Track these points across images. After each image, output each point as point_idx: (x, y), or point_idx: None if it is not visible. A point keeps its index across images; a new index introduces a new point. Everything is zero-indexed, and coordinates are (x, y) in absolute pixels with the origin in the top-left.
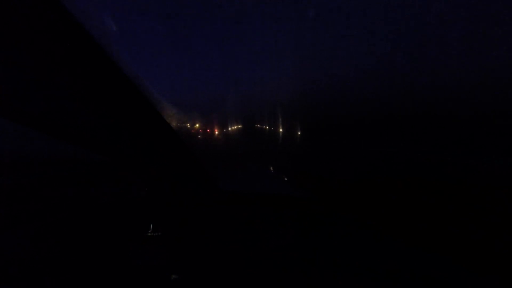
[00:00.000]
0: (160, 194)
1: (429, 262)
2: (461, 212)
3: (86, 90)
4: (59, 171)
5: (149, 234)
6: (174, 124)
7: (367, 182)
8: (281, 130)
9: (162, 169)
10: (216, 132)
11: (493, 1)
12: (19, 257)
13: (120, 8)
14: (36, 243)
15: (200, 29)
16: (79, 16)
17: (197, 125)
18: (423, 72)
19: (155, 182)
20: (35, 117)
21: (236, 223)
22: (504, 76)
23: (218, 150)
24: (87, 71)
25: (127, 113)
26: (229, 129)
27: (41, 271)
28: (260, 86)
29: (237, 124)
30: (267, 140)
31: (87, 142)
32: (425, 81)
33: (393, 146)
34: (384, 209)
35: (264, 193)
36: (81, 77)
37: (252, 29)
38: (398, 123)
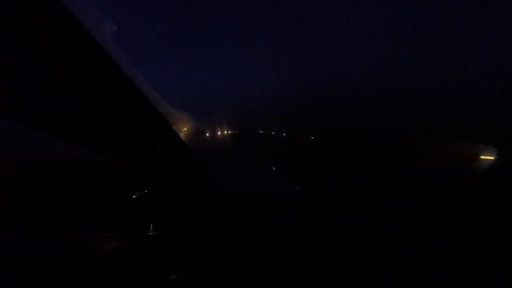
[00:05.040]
0: (160, 194)
1: (428, 263)
2: (459, 214)
3: (86, 90)
4: (59, 171)
5: (149, 234)
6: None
7: (368, 184)
8: None
9: (162, 169)
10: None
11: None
12: (19, 257)
13: (120, 8)
14: (36, 243)
15: (200, 29)
16: (79, 16)
17: (185, 128)
18: (424, 72)
19: (155, 182)
20: (35, 117)
21: (236, 223)
22: (506, 77)
23: None
24: (87, 71)
25: (127, 113)
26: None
27: (41, 271)
28: (260, 87)
29: (231, 129)
30: None
31: (87, 142)
32: (426, 82)
33: (395, 147)
34: (384, 211)
35: (264, 193)
36: (81, 77)
37: (252, 28)
38: (399, 124)
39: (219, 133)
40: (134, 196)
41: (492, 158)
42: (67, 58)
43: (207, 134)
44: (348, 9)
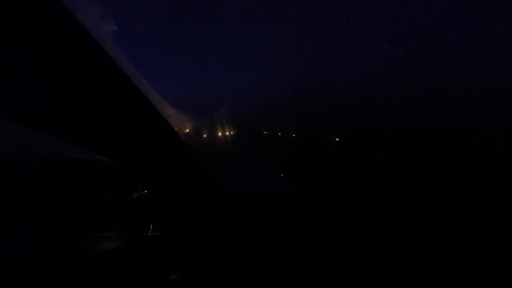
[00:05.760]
0: (160, 194)
1: (428, 263)
2: (459, 214)
3: (86, 90)
4: (59, 171)
5: (149, 234)
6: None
7: (367, 184)
8: None
9: (162, 169)
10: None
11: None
12: (19, 257)
13: (120, 8)
14: (36, 243)
15: (200, 29)
16: (79, 16)
17: (186, 129)
18: (425, 72)
19: (155, 182)
20: (35, 117)
21: (236, 223)
22: (506, 77)
23: None
24: (87, 71)
25: (127, 113)
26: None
27: (41, 271)
28: (261, 87)
29: (231, 129)
30: None
31: (87, 142)
32: (427, 81)
33: (394, 148)
34: (384, 211)
35: (264, 193)
36: (81, 77)
37: (252, 28)
38: (399, 125)
39: (219, 133)
40: (134, 196)
41: None
42: (67, 58)
43: (207, 134)
44: (348, 9)
